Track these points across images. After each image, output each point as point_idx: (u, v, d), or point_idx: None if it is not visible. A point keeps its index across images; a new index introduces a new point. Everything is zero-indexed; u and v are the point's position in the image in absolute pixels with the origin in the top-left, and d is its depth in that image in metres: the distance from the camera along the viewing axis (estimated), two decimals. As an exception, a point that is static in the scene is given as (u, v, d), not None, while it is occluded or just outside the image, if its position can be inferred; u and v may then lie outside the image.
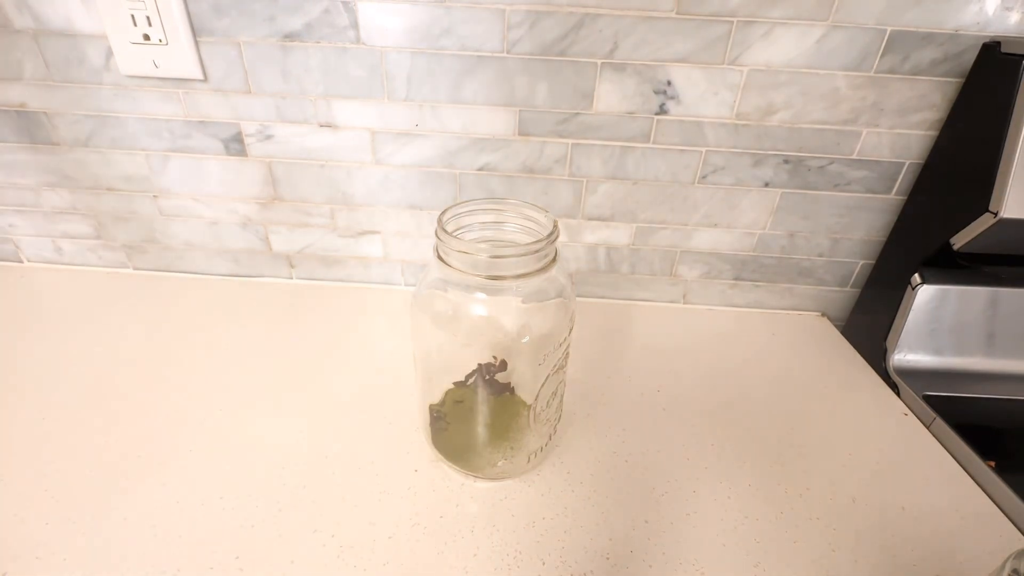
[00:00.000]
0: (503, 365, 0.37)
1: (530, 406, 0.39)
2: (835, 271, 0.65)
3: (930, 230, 0.54)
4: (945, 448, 0.48)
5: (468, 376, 0.38)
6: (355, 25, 0.52)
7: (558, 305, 0.38)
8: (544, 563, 0.36)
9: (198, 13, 0.52)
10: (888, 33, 0.50)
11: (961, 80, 0.52)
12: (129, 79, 0.55)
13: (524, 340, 0.36)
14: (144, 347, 0.55)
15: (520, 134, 0.57)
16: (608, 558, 0.37)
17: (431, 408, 0.41)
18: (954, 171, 0.52)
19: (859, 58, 0.52)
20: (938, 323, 0.55)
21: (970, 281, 0.54)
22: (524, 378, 0.38)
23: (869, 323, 0.62)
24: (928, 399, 0.52)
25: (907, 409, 0.52)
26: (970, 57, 0.51)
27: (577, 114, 0.56)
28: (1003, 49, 0.47)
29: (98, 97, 0.57)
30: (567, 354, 0.40)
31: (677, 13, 0.50)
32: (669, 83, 0.54)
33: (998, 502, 0.42)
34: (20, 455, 0.43)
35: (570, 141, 0.57)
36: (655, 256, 0.65)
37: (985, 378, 0.55)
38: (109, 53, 0.54)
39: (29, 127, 0.59)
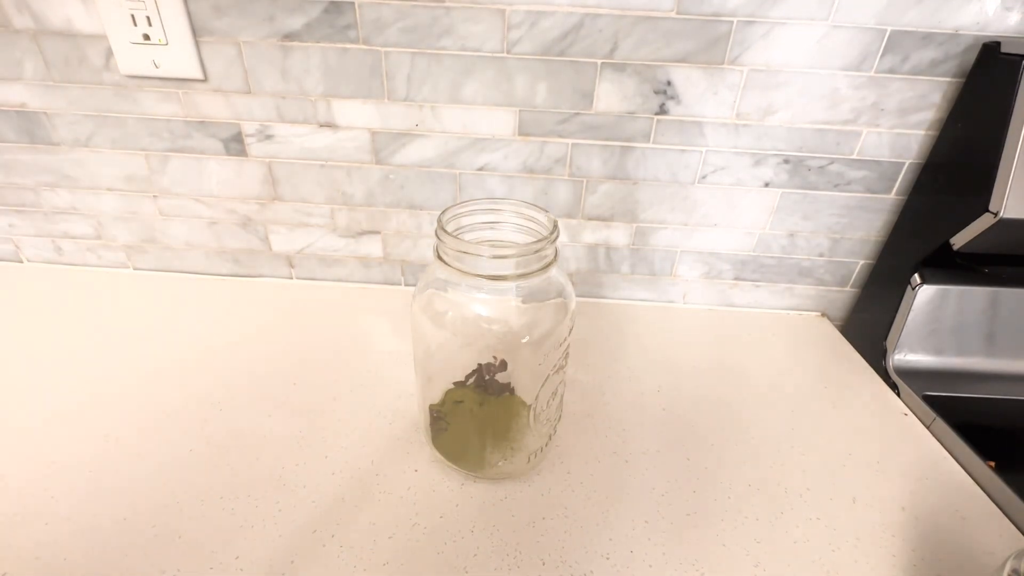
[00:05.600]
0: (503, 365, 0.37)
1: (530, 406, 0.39)
2: (835, 271, 0.65)
3: (930, 230, 0.54)
4: (945, 448, 0.48)
5: (468, 376, 0.38)
6: (355, 25, 0.52)
7: (558, 305, 0.38)
8: (544, 563, 0.36)
9: (198, 13, 0.52)
10: (888, 33, 0.50)
11: (961, 80, 0.52)
12: (129, 79, 0.55)
13: (524, 340, 0.36)
14: (143, 347, 0.55)
15: (520, 134, 0.57)
16: (608, 558, 0.37)
17: (431, 408, 0.41)
18: (954, 171, 0.52)
19: (859, 58, 0.52)
20: (938, 323, 0.55)
21: (970, 281, 0.54)
22: (524, 378, 0.38)
23: (869, 323, 0.62)
24: (928, 399, 0.52)
25: (907, 409, 0.52)
26: (970, 57, 0.51)
27: (577, 114, 0.55)
28: (1003, 49, 0.47)
29: (98, 97, 0.57)
30: (567, 354, 0.40)
31: (677, 13, 0.50)
32: (669, 83, 0.54)
33: (998, 502, 0.42)
34: (19, 455, 0.43)
35: (570, 141, 0.57)
36: (655, 256, 0.65)
37: (985, 378, 0.55)
38: (109, 53, 0.54)
39: (29, 127, 0.59)
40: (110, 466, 0.42)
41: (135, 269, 0.69)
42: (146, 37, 0.52)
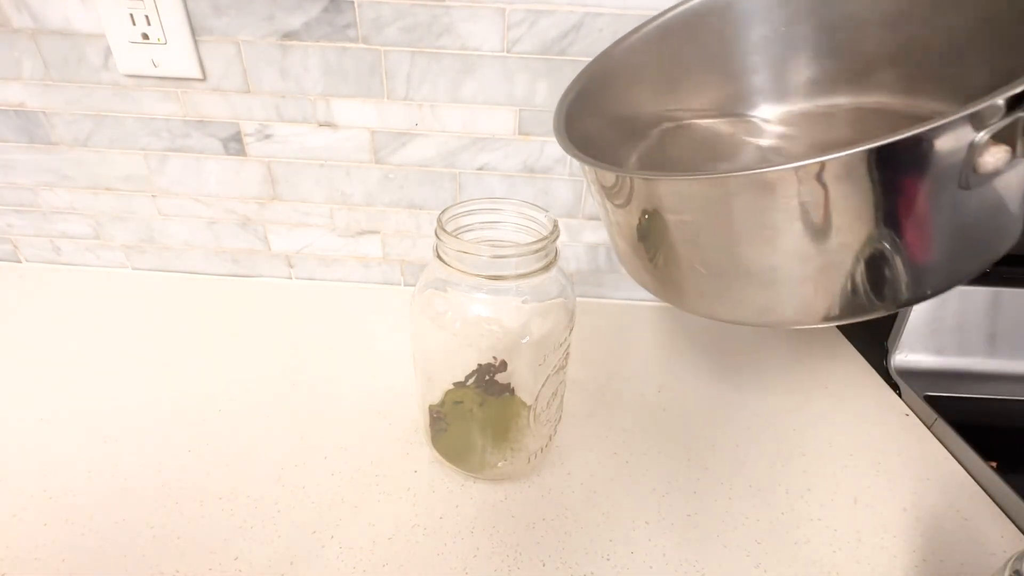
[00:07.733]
0: (503, 365, 0.37)
1: (530, 407, 0.39)
2: (836, 271, 0.65)
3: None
4: (946, 449, 0.47)
5: (468, 376, 0.38)
6: (354, 24, 0.52)
7: (558, 305, 0.38)
8: (544, 564, 0.36)
9: (197, 12, 0.51)
10: (889, 32, 0.50)
11: (962, 79, 0.52)
12: (128, 78, 0.55)
13: (524, 340, 0.36)
14: (142, 347, 0.55)
15: (520, 133, 0.57)
16: (608, 559, 0.37)
17: (431, 409, 0.41)
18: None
19: (860, 57, 0.51)
20: (939, 323, 0.55)
21: (971, 281, 0.54)
22: (524, 379, 0.38)
23: (870, 323, 0.61)
24: (929, 399, 0.52)
25: (908, 409, 0.52)
26: (971, 56, 0.50)
27: (577, 113, 0.55)
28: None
29: (97, 96, 0.56)
30: (567, 354, 0.40)
31: (678, 12, 0.50)
32: (669, 82, 0.53)
33: (1000, 503, 0.42)
34: (18, 455, 0.42)
35: (570, 140, 0.57)
36: (655, 256, 0.65)
37: (987, 378, 0.55)
38: (108, 52, 0.54)
39: (28, 127, 0.58)
40: (108, 467, 0.42)
41: (134, 269, 0.68)
42: (145, 36, 0.52)
